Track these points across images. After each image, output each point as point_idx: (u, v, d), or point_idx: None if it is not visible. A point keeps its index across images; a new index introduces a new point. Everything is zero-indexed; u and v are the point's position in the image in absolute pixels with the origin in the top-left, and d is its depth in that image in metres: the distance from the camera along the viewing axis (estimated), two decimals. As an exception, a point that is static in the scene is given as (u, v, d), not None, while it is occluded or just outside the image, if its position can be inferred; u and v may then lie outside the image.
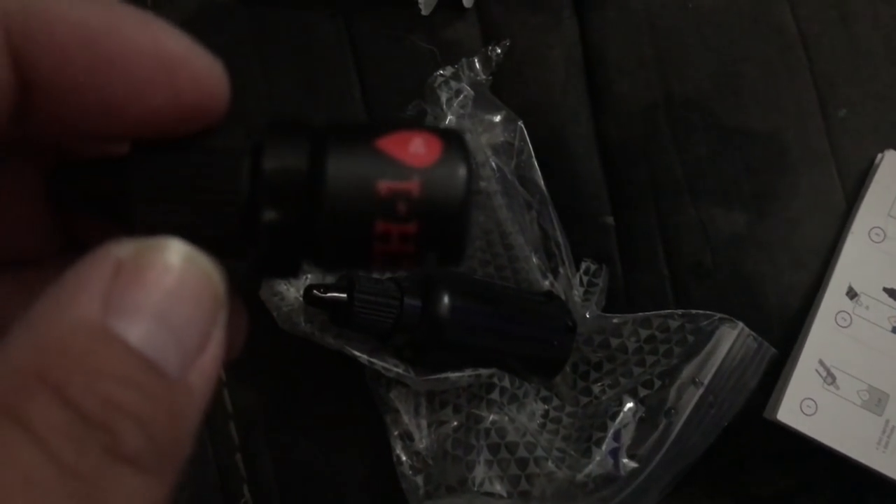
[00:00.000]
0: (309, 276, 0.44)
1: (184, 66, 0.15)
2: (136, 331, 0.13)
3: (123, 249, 0.13)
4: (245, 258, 0.17)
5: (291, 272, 0.18)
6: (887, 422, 0.47)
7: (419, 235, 0.17)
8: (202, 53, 0.16)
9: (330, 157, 0.17)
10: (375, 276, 0.45)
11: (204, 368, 0.14)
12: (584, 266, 0.51)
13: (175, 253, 0.14)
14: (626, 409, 0.46)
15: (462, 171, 0.17)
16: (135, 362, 0.12)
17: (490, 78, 0.49)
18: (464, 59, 0.46)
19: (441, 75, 0.45)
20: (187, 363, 0.13)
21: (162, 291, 0.13)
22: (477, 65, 0.47)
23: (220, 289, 0.14)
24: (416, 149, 0.17)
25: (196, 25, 0.55)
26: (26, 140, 0.16)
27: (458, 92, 0.44)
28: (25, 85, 0.15)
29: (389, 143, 0.17)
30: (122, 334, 0.12)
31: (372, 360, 0.45)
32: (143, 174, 0.16)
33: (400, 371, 0.45)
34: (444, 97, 0.44)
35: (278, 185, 0.17)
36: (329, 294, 0.43)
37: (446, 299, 0.45)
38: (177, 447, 0.13)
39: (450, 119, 0.44)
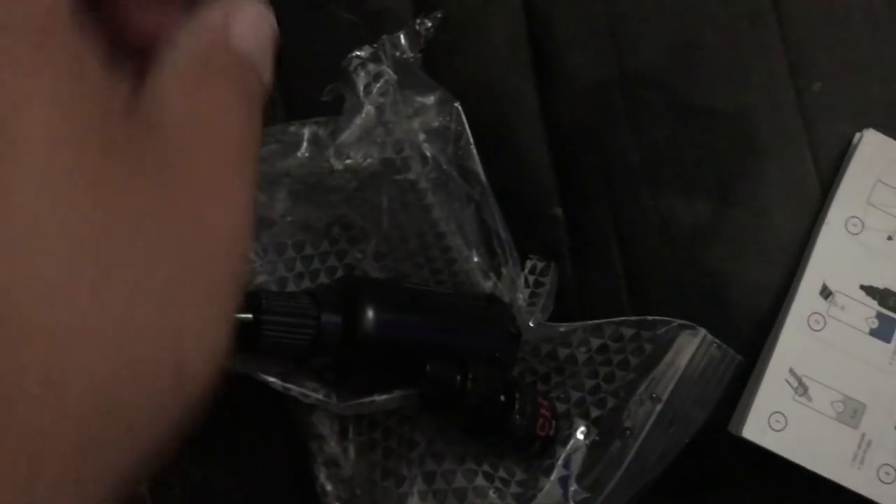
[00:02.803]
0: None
1: None
2: (248, 51, 0.18)
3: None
4: None
5: None
6: (863, 435, 0.42)
7: None
8: None
9: None
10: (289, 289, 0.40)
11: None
12: (529, 264, 0.46)
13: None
14: (577, 433, 0.41)
15: None
16: (252, 74, 0.18)
17: (420, 55, 0.44)
18: (385, 37, 0.40)
19: (357, 56, 0.39)
20: (263, 80, 0.19)
21: (256, 24, 0.19)
22: (403, 41, 0.41)
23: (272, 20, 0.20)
24: None
25: None
26: None
27: (377, 76, 0.38)
28: None
29: None
30: (243, 52, 0.18)
31: (287, 385, 0.40)
32: None
33: (320, 397, 0.40)
34: (361, 83, 0.38)
35: None
36: (231, 315, 0.37)
37: (370, 313, 0.39)
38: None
39: (367, 109, 0.38)
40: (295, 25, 0.46)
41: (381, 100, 0.38)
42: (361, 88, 0.38)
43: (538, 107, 0.47)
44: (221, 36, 0.18)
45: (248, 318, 0.38)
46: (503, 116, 0.47)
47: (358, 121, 0.38)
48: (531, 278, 0.46)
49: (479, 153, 0.45)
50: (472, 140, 0.45)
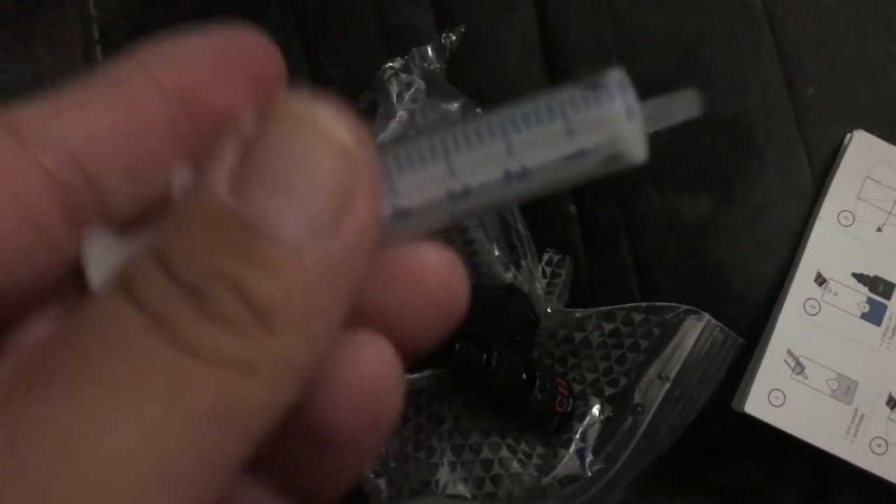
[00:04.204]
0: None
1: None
2: (257, 205, 0.13)
3: (246, 122, 0.13)
4: None
5: None
6: (856, 410, 0.46)
7: None
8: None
9: None
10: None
11: (343, 233, 0.13)
12: (546, 257, 0.50)
13: (302, 125, 0.13)
14: (592, 410, 0.45)
15: None
16: (252, 234, 0.12)
17: (444, 66, 0.47)
18: (415, 50, 0.44)
19: (391, 67, 0.43)
20: (316, 230, 0.13)
21: (282, 161, 0.13)
22: (430, 53, 0.45)
23: (359, 159, 0.14)
24: None
25: (142, 10, 0.53)
26: None
27: (408, 85, 0.42)
28: None
29: None
30: (234, 207, 0.13)
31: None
32: None
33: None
34: (394, 91, 0.42)
35: None
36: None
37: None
38: (297, 321, 0.13)
39: (400, 114, 0.42)
40: (331, 37, 0.49)
41: (412, 106, 0.42)
42: (395, 96, 0.42)
43: (553, 112, 0.50)
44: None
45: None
46: (520, 121, 0.50)
47: (392, 125, 0.42)
48: (548, 270, 0.50)
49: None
50: (492, 144, 0.49)
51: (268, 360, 0.12)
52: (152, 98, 0.15)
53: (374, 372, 0.15)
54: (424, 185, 0.15)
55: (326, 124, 0.13)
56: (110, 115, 0.15)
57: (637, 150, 0.16)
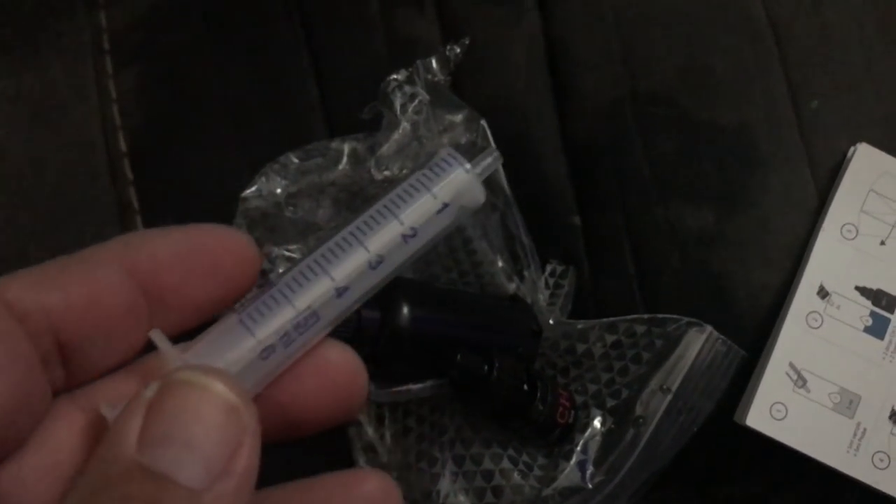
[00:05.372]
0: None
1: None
2: (160, 457, 0.16)
3: (150, 391, 0.17)
4: None
5: None
6: (858, 424, 0.46)
7: None
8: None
9: None
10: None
11: (233, 475, 0.16)
12: (549, 268, 0.50)
13: (194, 389, 0.17)
14: (594, 421, 0.45)
15: None
16: (158, 484, 0.15)
17: (449, 78, 0.48)
18: (419, 61, 0.45)
19: (395, 79, 0.43)
20: (213, 476, 0.16)
21: (181, 421, 0.16)
22: (434, 65, 0.46)
23: (241, 412, 0.17)
24: None
25: (148, 24, 0.53)
26: None
27: (412, 96, 0.43)
28: None
29: None
30: (147, 463, 0.16)
31: (330, 374, 0.44)
32: None
33: (359, 385, 0.44)
34: (398, 102, 0.42)
35: None
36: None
37: (406, 310, 0.43)
38: None
39: (403, 126, 0.42)
40: (338, 49, 0.50)
41: (416, 117, 0.43)
42: (398, 107, 0.43)
43: (557, 124, 0.51)
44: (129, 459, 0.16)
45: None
46: (525, 133, 0.50)
47: (395, 136, 0.42)
48: (551, 280, 0.50)
49: (503, 166, 0.49)
50: (496, 154, 0.49)
51: None
52: (120, 282, 0.19)
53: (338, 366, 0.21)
54: (353, 265, 0.22)
55: (214, 387, 0.17)
56: (83, 291, 0.18)
57: (478, 194, 0.24)
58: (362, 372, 0.21)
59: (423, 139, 0.43)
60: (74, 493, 0.16)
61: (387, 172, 0.42)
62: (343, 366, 0.21)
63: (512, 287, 0.48)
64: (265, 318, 0.21)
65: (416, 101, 0.43)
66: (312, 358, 0.21)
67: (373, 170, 0.42)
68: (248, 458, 0.17)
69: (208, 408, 0.17)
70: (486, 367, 0.43)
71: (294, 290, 0.21)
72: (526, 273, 0.49)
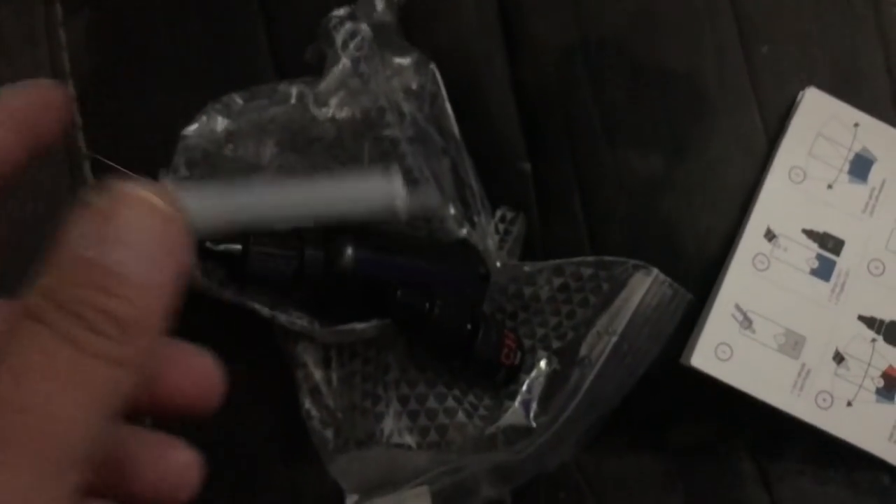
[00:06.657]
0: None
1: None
2: (109, 253, 0.18)
3: (97, 199, 0.19)
4: None
5: None
6: (803, 365, 0.46)
7: None
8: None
9: None
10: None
11: (174, 264, 0.19)
12: (499, 214, 0.50)
13: (134, 199, 0.19)
14: (539, 362, 0.45)
15: None
16: (111, 278, 0.18)
17: (396, 20, 0.47)
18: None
19: (336, 16, 0.43)
20: (154, 267, 0.19)
21: (129, 226, 0.19)
22: (377, 4, 0.45)
23: (175, 215, 0.20)
24: None
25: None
26: None
27: (354, 33, 0.42)
28: None
29: None
30: (98, 258, 0.18)
31: (274, 313, 0.44)
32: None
33: (304, 324, 0.44)
34: (339, 39, 0.42)
35: None
36: (222, 246, 0.41)
37: (350, 251, 0.43)
38: (144, 328, 0.19)
39: (343, 62, 0.42)
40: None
41: (357, 54, 0.42)
42: (339, 44, 0.42)
43: (507, 70, 0.51)
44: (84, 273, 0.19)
45: (236, 248, 0.42)
46: (475, 79, 0.50)
47: (335, 72, 0.42)
48: (501, 227, 0.50)
49: (454, 112, 0.49)
50: (447, 100, 0.49)
51: (131, 356, 0.19)
52: None
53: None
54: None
55: (153, 200, 0.19)
56: None
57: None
58: (219, 377, 0.25)
59: (364, 75, 0.42)
60: (30, 295, 0.18)
61: (325, 109, 0.42)
62: (203, 370, 0.25)
63: (462, 233, 0.48)
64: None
65: (358, 38, 0.43)
66: (180, 363, 0.24)
67: (311, 106, 0.42)
68: (181, 253, 0.20)
69: (150, 216, 0.19)
70: (427, 305, 0.43)
71: None
72: (476, 219, 0.49)
